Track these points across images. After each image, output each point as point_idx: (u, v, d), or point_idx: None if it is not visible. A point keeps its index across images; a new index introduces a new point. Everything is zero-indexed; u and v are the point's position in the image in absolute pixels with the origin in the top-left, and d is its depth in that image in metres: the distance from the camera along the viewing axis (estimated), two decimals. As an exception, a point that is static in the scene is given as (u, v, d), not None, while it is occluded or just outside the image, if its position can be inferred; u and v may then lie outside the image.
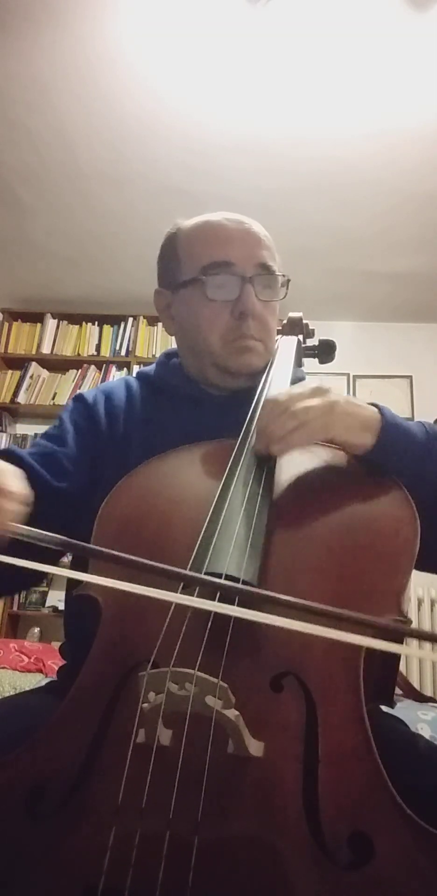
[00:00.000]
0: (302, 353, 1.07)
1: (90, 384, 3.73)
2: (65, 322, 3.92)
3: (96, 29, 2.26)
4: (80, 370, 3.81)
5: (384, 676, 0.64)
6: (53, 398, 3.76)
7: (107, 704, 0.53)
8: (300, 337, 1.06)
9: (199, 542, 0.61)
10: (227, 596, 0.50)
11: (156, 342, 3.81)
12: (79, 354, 3.83)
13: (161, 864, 0.41)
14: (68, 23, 2.24)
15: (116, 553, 0.51)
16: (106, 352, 3.83)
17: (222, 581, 0.53)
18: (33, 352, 3.86)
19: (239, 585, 0.52)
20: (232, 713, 0.45)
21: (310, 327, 1.09)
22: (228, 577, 0.55)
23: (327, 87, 2.41)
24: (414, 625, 0.62)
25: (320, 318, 3.13)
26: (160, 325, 3.79)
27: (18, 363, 3.84)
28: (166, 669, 0.47)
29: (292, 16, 2.15)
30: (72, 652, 0.87)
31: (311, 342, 1.09)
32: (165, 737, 0.47)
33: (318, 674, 0.53)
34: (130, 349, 3.80)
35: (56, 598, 3.48)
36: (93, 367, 3.80)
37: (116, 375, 3.77)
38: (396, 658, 0.67)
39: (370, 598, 0.59)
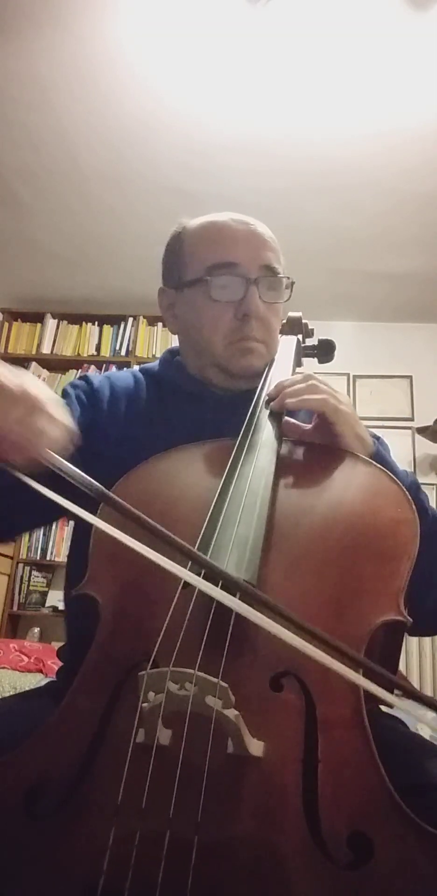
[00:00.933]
0: (302, 352, 1.07)
1: (90, 384, 3.73)
2: (65, 322, 3.92)
3: (96, 29, 2.26)
4: (80, 370, 3.80)
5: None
6: (53, 398, 3.76)
7: (106, 704, 0.53)
8: (300, 337, 1.06)
9: (199, 541, 0.61)
10: (229, 589, 0.50)
11: (156, 342, 3.81)
12: (79, 354, 3.83)
13: (161, 863, 0.41)
14: (68, 23, 2.24)
15: (141, 516, 0.51)
16: (106, 352, 3.83)
17: (225, 570, 0.52)
18: (33, 352, 3.86)
19: (243, 582, 0.52)
20: (232, 713, 0.45)
21: (309, 327, 1.08)
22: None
23: (327, 87, 2.41)
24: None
25: (319, 317, 3.13)
26: (160, 325, 3.79)
27: (18, 363, 3.78)
28: (166, 669, 0.47)
29: (291, 16, 2.15)
30: (72, 653, 0.87)
31: (310, 342, 1.09)
32: (164, 737, 0.47)
33: (317, 673, 0.52)
34: (130, 349, 3.80)
35: (56, 598, 3.49)
36: (93, 367, 3.80)
37: (116, 375, 3.77)
38: (396, 658, 0.67)
39: (370, 598, 0.59)
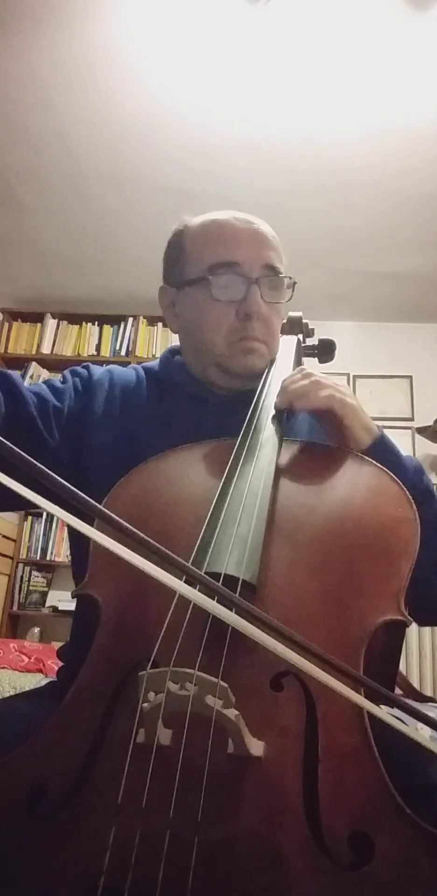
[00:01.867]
0: (302, 352, 1.07)
1: (90, 384, 3.73)
2: (65, 322, 3.92)
3: (96, 29, 2.26)
4: (80, 370, 3.80)
5: (383, 676, 0.63)
6: (53, 398, 3.76)
7: (107, 704, 0.53)
8: (300, 336, 1.06)
9: (199, 542, 0.60)
10: (224, 601, 0.49)
11: (156, 342, 3.81)
12: (79, 354, 3.83)
13: (161, 863, 0.41)
14: (68, 23, 2.24)
15: (134, 531, 0.45)
16: (106, 352, 3.83)
17: (221, 586, 0.53)
18: (33, 352, 3.86)
19: (238, 598, 0.52)
20: (232, 713, 0.45)
21: (310, 326, 1.08)
22: (227, 576, 0.55)
23: (327, 87, 2.41)
24: (413, 625, 0.61)
25: (320, 317, 3.12)
26: (160, 325, 3.79)
27: (18, 363, 3.83)
28: (166, 669, 0.47)
29: (292, 16, 2.15)
30: (72, 652, 0.87)
31: (311, 341, 1.09)
32: (164, 736, 0.47)
33: (318, 673, 0.52)
34: (130, 349, 3.80)
35: (56, 599, 3.49)
36: (93, 367, 3.80)
37: (116, 375, 3.77)
38: (396, 658, 0.67)
39: (371, 598, 0.59)
